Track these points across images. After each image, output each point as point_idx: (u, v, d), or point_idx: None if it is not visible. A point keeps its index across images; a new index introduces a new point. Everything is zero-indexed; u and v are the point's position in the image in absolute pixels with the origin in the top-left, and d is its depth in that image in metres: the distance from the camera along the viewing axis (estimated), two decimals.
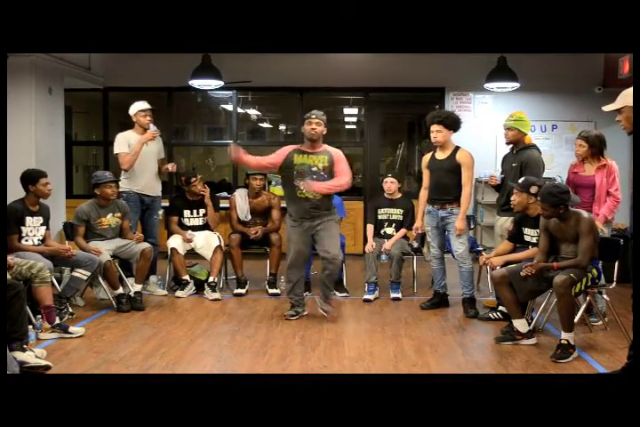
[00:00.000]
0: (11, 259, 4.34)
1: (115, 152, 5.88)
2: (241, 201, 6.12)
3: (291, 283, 5.05)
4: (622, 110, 3.37)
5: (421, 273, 6.31)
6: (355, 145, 9.06)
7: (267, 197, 6.18)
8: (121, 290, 5.32)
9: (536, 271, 4.21)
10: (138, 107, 5.90)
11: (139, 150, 5.77)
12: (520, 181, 4.65)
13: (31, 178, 4.84)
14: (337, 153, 4.94)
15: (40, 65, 6.59)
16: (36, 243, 4.93)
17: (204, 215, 6.12)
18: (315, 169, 4.84)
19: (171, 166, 6.12)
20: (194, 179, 6.03)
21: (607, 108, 3.47)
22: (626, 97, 3.34)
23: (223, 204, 6.46)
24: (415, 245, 6.07)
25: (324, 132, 4.92)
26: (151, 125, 5.89)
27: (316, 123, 4.85)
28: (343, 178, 4.86)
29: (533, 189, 4.53)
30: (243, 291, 5.92)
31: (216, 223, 6.18)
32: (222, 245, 5.99)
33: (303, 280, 5.16)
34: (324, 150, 4.93)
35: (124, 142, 5.83)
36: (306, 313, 5.12)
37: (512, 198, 4.70)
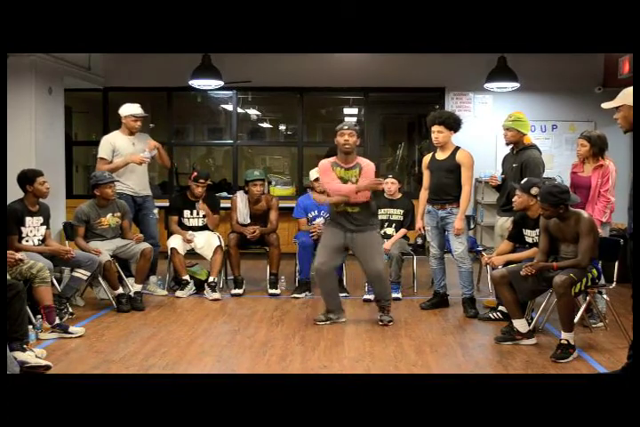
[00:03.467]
0: (20, 255, 4.36)
1: (98, 155, 5.84)
2: (241, 204, 6.08)
3: (324, 293, 4.89)
4: (620, 109, 3.38)
5: (421, 273, 6.31)
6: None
7: (266, 200, 6.15)
8: (121, 290, 5.31)
9: (536, 271, 4.21)
10: (130, 111, 5.85)
11: (120, 166, 5.72)
12: (522, 182, 4.65)
13: (27, 178, 4.82)
14: (367, 165, 4.81)
15: (40, 65, 6.58)
16: (37, 243, 4.93)
17: (205, 216, 6.10)
18: (349, 184, 4.75)
19: (153, 144, 5.88)
20: (202, 180, 5.99)
21: (606, 105, 3.48)
22: (626, 96, 3.34)
23: (224, 204, 6.45)
24: (419, 241, 6.06)
25: (357, 143, 4.78)
26: (146, 151, 5.79)
27: (348, 134, 4.70)
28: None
29: (534, 191, 4.52)
30: (240, 291, 5.90)
31: (215, 226, 6.16)
32: (222, 245, 5.98)
33: (337, 287, 5.04)
34: (356, 164, 4.81)
35: (108, 148, 5.80)
36: (343, 320, 4.91)
37: (513, 199, 4.70)
